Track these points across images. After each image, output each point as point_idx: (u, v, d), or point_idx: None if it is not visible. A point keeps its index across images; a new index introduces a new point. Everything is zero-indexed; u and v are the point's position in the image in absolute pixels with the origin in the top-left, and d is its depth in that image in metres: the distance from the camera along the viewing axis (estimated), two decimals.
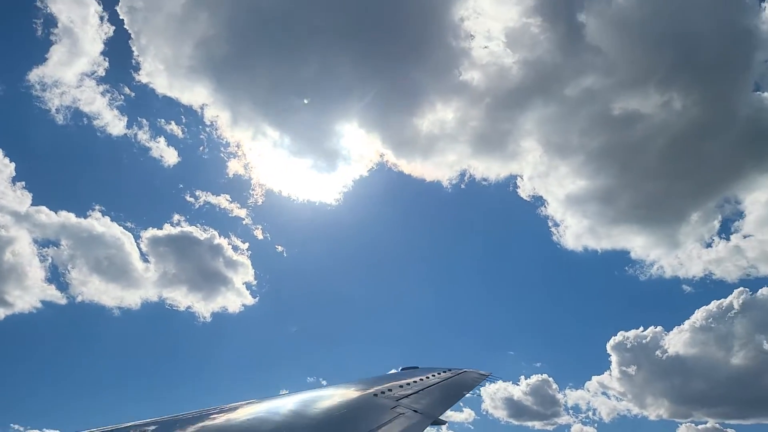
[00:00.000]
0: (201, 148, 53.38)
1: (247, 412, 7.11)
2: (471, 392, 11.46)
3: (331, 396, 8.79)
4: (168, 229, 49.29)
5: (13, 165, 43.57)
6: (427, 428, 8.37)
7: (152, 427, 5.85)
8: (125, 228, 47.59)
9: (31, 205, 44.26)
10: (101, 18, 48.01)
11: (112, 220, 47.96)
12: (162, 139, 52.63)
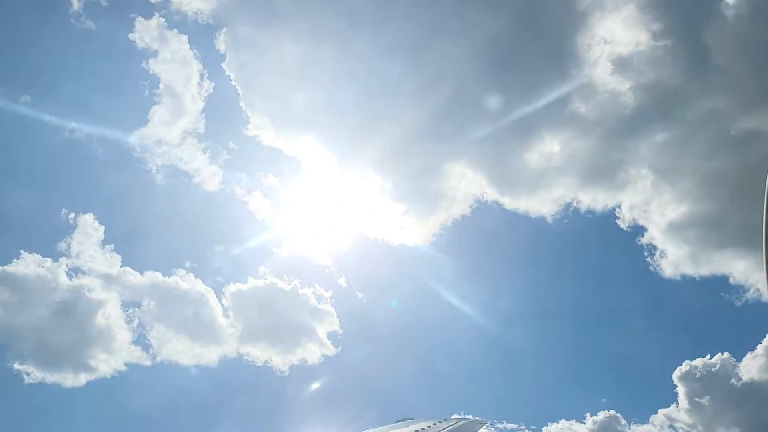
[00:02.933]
0: (296, 199, 55.90)
1: None
2: None
3: None
4: (252, 282, 50.90)
5: (102, 228, 46.32)
6: None
7: None
8: (209, 284, 49.54)
9: (121, 266, 46.65)
10: (201, 76, 51.80)
11: (196, 277, 49.75)
12: (258, 192, 55.08)
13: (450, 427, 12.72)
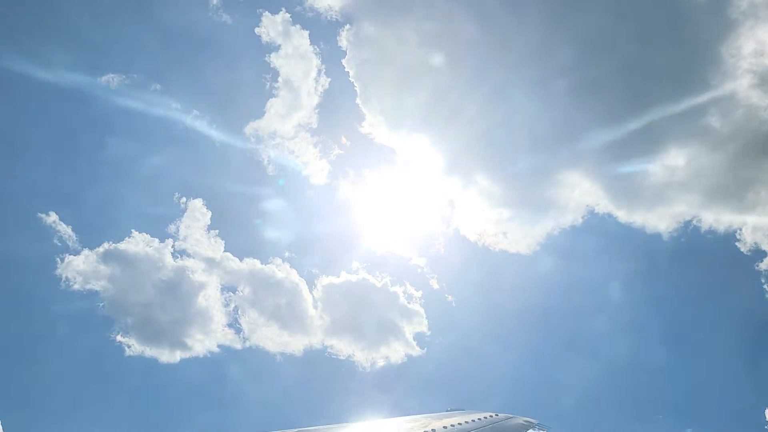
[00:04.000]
0: (398, 198, 57.74)
1: None
2: None
3: (377, 430, 10.78)
4: (344, 276, 53.19)
5: (210, 214, 50.25)
6: None
7: None
8: (303, 275, 52.41)
9: (224, 251, 50.57)
10: (319, 71, 54.54)
11: (291, 267, 52.78)
12: (363, 189, 57.46)
13: (495, 423, 13.34)
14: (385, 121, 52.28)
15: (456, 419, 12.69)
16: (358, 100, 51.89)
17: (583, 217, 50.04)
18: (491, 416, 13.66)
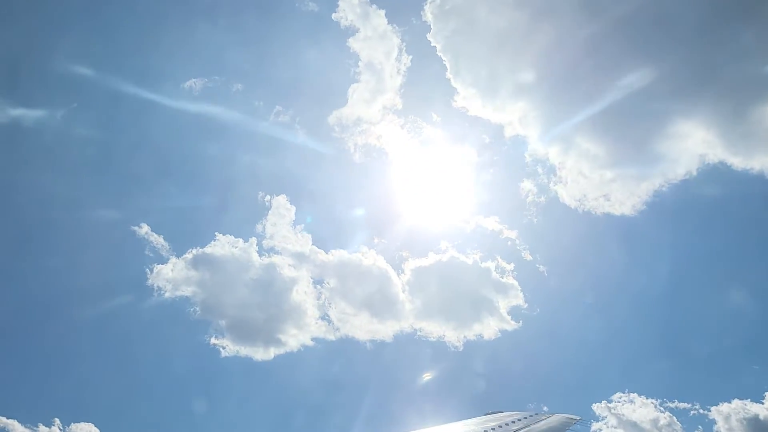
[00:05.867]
0: (491, 170, 56.18)
1: None
2: None
3: None
4: (433, 257, 52.55)
5: (294, 209, 50.69)
6: None
7: None
8: (391, 260, 52.14)
9: (311, 245, 50.84)
10: (400, 50, 54.11)
11: (378, 253, 52.51)
12: (454, 166, 56.26)
13: (537, 423, 12.94)
14: (479, 92, 50.37)
15: (492, 423, 12.32)
16: (448, 75, 50.50)
17: (695, 170, 46.03)
18: (532, 415, 13.26)
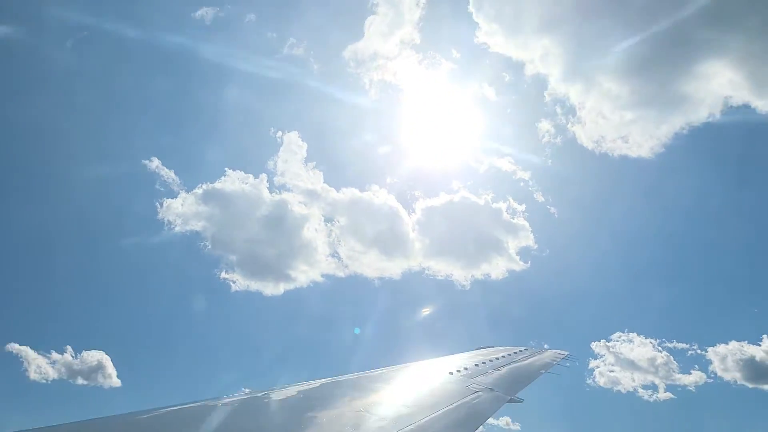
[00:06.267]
0: (509, 110, 52.69)
1: (323, 386, 7.34)
2: (549, 372, 11.26)
3: (408, 373, 8.90)
4: (444, 197, 50.37)
5: (305, 146, 47.55)
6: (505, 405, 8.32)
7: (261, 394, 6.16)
8: (402, 199, 49.89)
9: (323, 182, 48.25)
10: None
11: (389, 192, 50.21)
12: (470, 103, 52.32)
13: (528, 357, 11.60)
14: (502, 28, 47.00)
15: (481, 357, 10.82)
16: (470, 8, 46.79)
17: (719, 112, 44.25)
18: (521, 350, 11.91)
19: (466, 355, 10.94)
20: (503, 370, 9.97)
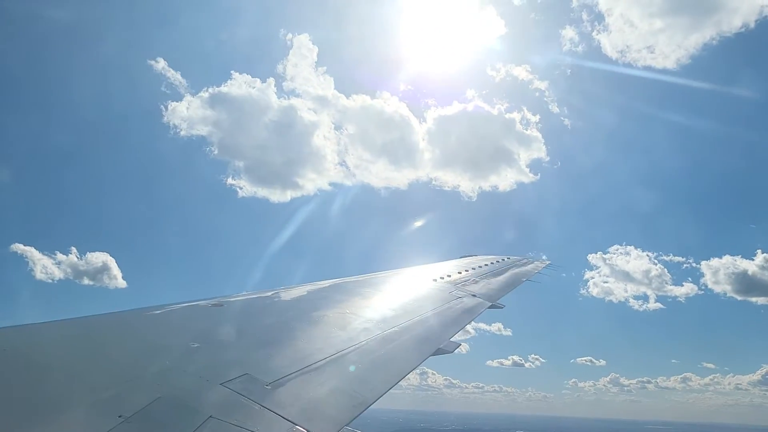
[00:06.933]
0: (532, 15, 50.28)
1: (314, 290, 7.64)
2: (531, 280, 11.71)
3: (394, 279, 9.23)
4: (457, 106, 49.32)
5: (316, 50, 45.71)
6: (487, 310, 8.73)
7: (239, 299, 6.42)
8: (413, 108, 48.94)
9: (333, 88, 46.97)
10: None
11: (401, 100, 49.17)
12: (491, 7, 49.63)
13: (511, 266, 12.01)
14: None
15: (465, 265, 11.18)
16: None
17: (755, 21, 41.00)
18: (504, 259, 12.31)
19: (450, 263, 11.30)
20: (486, 277, 10.37)
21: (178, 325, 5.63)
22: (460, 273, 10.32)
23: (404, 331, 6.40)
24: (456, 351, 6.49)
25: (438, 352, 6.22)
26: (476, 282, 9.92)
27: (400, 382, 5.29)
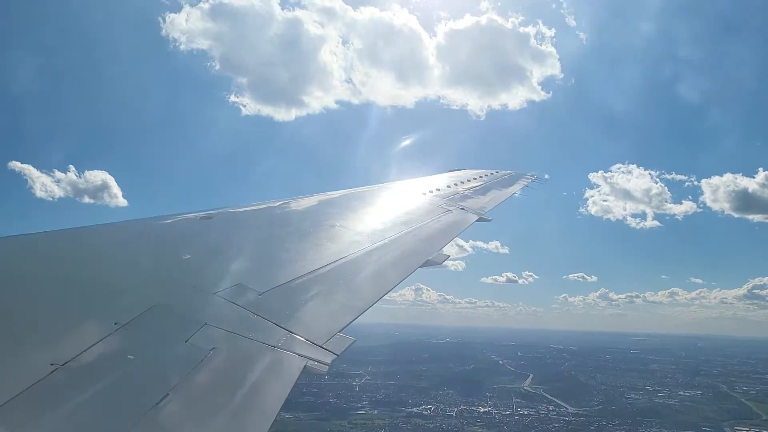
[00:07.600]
0: None
1: (304, 203, 7.63)
2: (519, 194, 11.79)
3: (384, 193, 9.23)
4: (469, 19, 46.45)
5: None
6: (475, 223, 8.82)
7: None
8: (423, 20, 46.27)
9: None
10: None
11: (411, 12, 46.35)
12: None
13: (498, 179, 12.04)
14: None
15: (454, 179, 11.18)
16: None
17: None
18: (493, 173, 12.31)
19: (440, 176, 11.29)
20: (474, 191, 10.40)
21: (169, 237, 5.64)
22: (449, 186, 10.33)
23: (393, 243, 6.46)
24: (446, 263, 6.59)
25: (427, 263, 6.31)
26: (465, 195, 9.95)
27: (395, 298, 5.40)
